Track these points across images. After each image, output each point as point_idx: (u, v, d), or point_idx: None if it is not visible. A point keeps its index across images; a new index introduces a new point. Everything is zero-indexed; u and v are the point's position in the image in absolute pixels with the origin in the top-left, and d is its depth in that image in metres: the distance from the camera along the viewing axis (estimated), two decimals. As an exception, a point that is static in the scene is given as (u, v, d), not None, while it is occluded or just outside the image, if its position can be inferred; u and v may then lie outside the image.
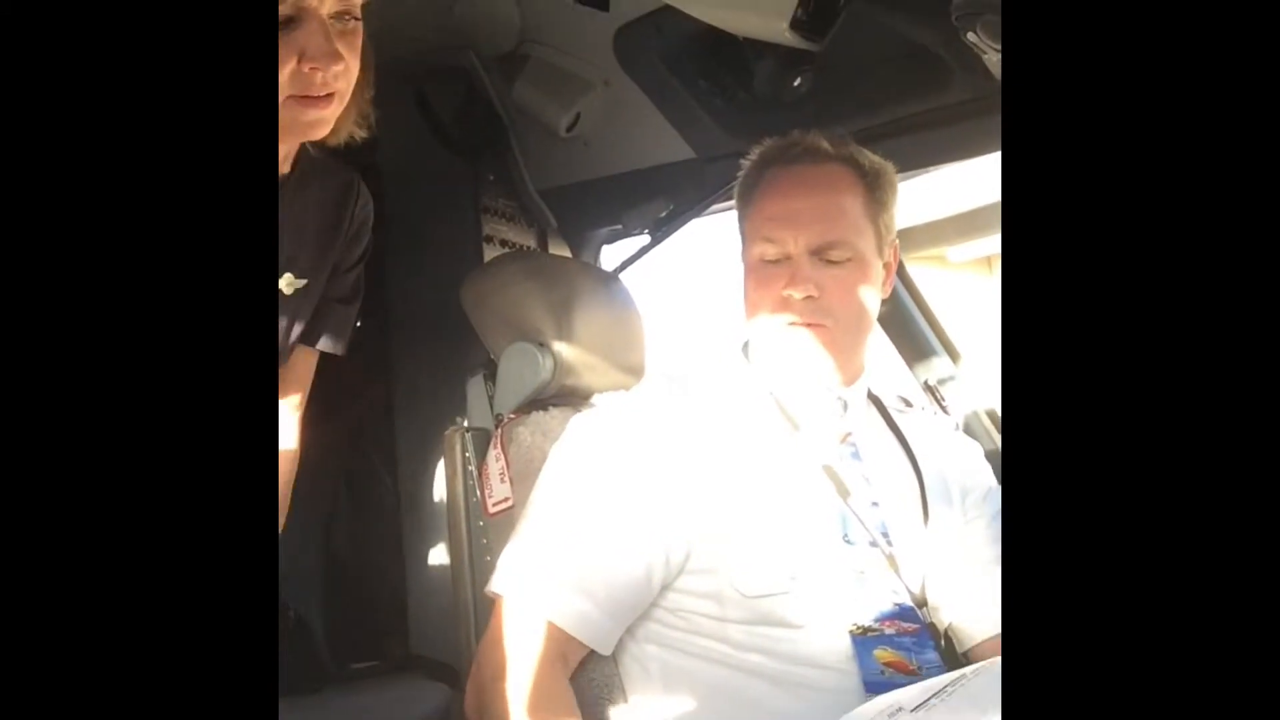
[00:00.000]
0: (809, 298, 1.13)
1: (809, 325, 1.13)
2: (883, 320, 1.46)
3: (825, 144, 1.20)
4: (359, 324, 1.40)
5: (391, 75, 1.89)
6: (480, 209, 1.86)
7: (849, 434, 1.18)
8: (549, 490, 1.13)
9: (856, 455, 1.17)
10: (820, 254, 1.14)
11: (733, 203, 1.28)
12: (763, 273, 1.16)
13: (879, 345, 1.71)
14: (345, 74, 1.00)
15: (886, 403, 1.25)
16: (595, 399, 1.36)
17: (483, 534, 1.33)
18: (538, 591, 1.05)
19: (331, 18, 0.98)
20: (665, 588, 1.07)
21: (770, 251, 1.16)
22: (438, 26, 1.75)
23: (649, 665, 1.09)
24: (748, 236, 1.20)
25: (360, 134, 1.14)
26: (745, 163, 1.24)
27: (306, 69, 0.97)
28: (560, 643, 1.05)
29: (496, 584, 1.09)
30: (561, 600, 1.04)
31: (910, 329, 1.76)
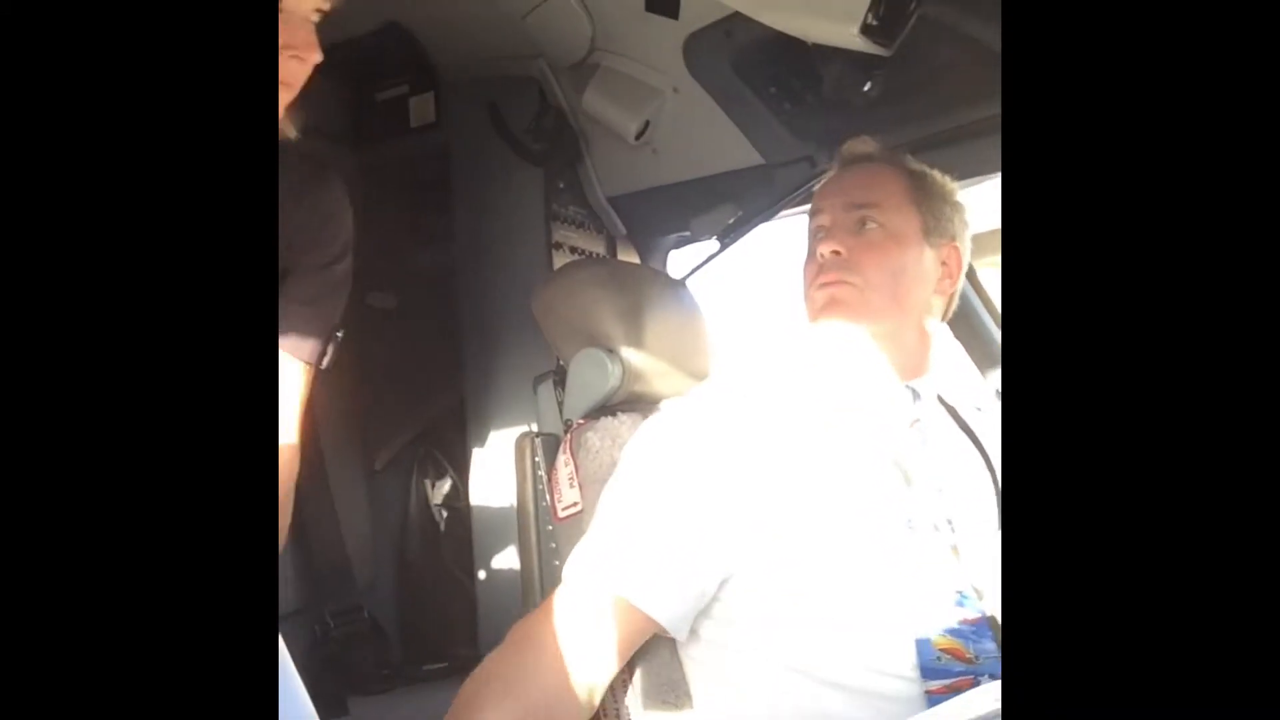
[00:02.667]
0: (835, 253, 1.18)
1: (836, 283, 1.18)
2: (953, 325, 1.45)
3: (868, 148, 1.29)
4: (339, 335, 1.37)
5: (463, 86, 1.94)
6: (550, 216, 1.87)
7: (917, 420, 1.17)
8: (618, 491, 1.13)
9: (924, 442, 1.16)
10: (855, 216, 1.21)
11: (801, 208, 1.30)
12: (809, 249, 1.23)
13: (953, 353, 1.70)
14: (306, 68, 1.03)
15: (959, 406, 1.24)
16: (663, 405, 1.36)
17: (551, 539, 1.34)
18: (609, 570, 1.05)
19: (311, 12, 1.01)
20: (727, 581, 1.07)
21: (813, 223, 1.24)
22: (509, 37, 1.78)
23: (712, 665, 1.09)
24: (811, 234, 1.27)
25: (291, 133, 1.13)
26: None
27: (286, 56, 0.99)
28: (628, 622, 1.04)
29: (566, 572, 1.09)
30: (635, 575, 1.04)
31: (982, 334, 1.73)
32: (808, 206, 1.29)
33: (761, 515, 1.06)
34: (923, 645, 1.01)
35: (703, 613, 1.08)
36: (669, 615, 1.05)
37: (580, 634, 1.02)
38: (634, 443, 1.18)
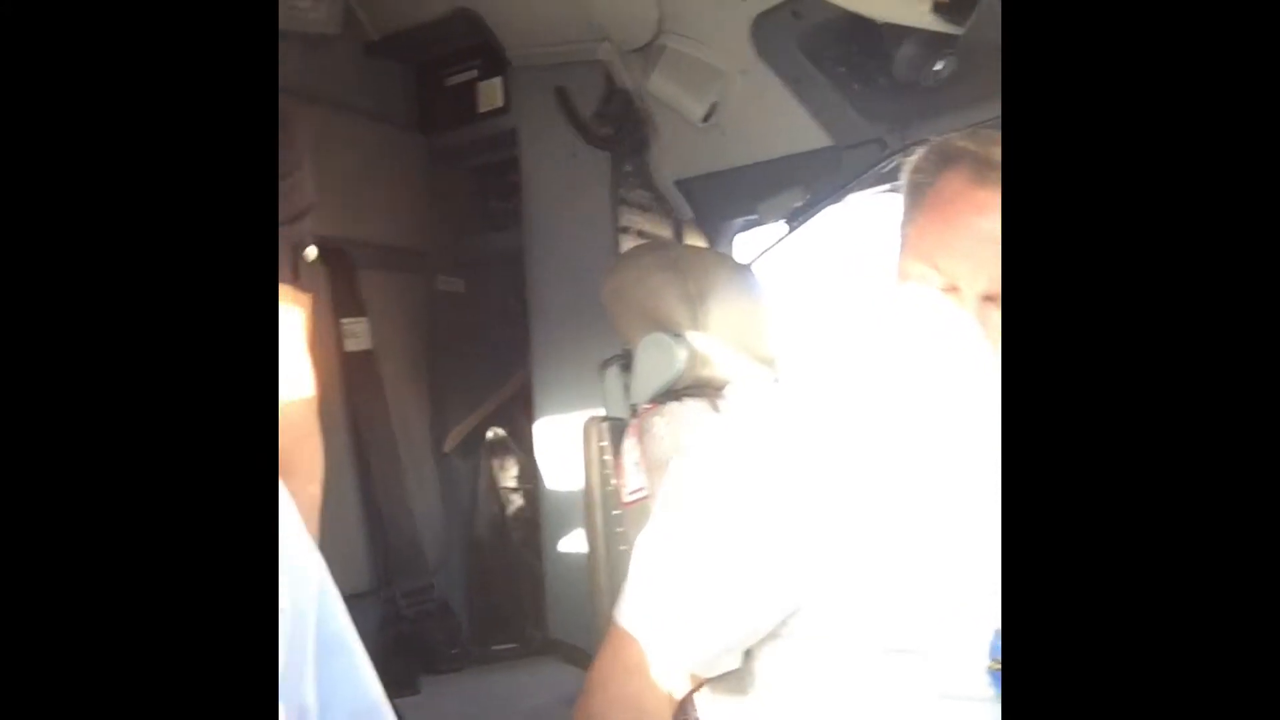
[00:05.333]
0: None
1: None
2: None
3: (964, 143, 1.08)
4: None
5: (531, 70, 1.95)
6: (617, 200, 1.87)
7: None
8: (671, 521, 1.05)
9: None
10: (990, 299, 1.02)
11: (872, 190, 1.25)
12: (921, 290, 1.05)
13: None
14: None
15: None
16: (728, 390, 1.35)
17: (618, 522, 1.34)
18: (648, 623, 1.01)
19: None
20: (794, 614, 1.02)
21: (933, 280, 1.04)
22: (576, 20, 1.78)
23: (777, 670, 1.06)
24: (909, 242, 1.09)
25: None
26: (927, 149, 1.11)
27: None
28: (686, 676, 1.03)
29: (625, 619, 1.03)
30: (672, 631, 0.99)
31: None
32: (877, 188, 1.25)
33: (837, 539, 0.98)
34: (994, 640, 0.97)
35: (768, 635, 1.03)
36: (706, 667, 1.02)
37: (633, 682, 1.00)
38: (696, 457, 1.08)
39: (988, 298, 1.01)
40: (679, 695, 1.03)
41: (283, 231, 1.09)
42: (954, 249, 1.02)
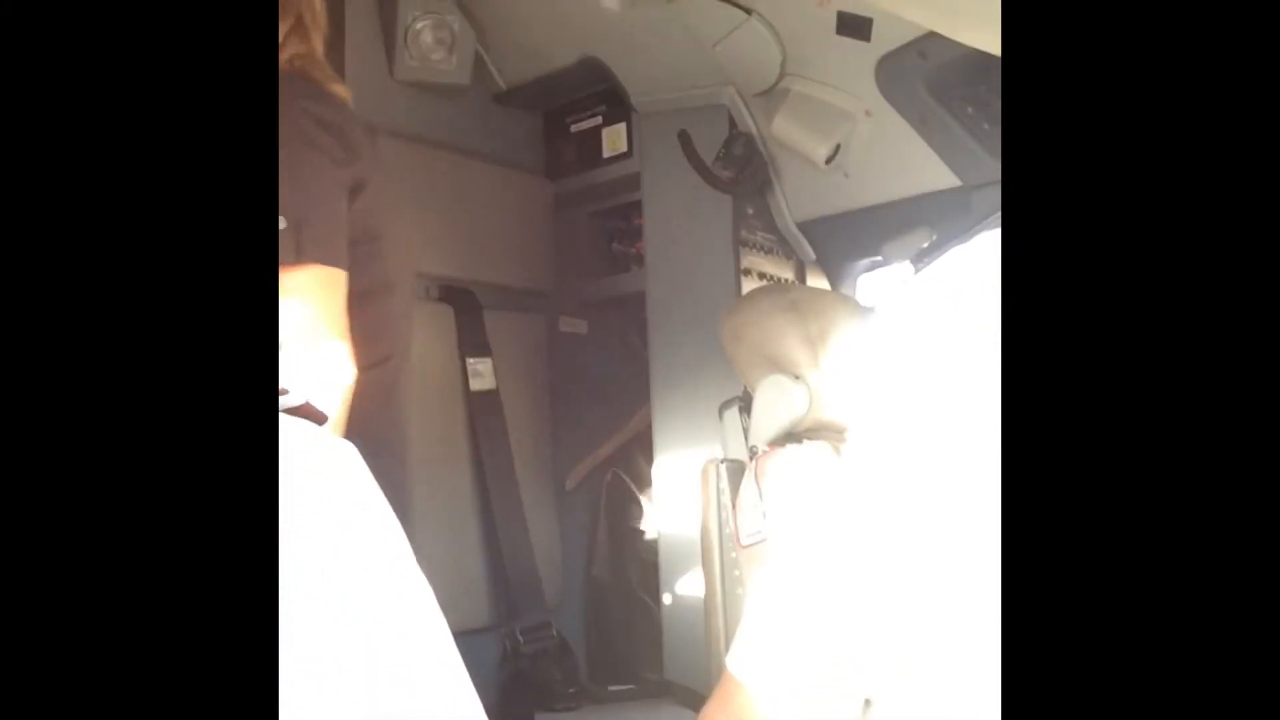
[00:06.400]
0: None
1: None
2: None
3: None
4: None
5: (655, 115, 1.98)
6: (739, 242, 1.88)
7: None
8: (797, 558, 1.02)
9: None
10: None
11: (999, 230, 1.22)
12: None
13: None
14: None
15: None
16: (849, 434, 1.33)
17: (735, 565, 1.33)
18: (779, 685, 0.97)
19: None
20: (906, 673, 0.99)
21: None
22: (700, 66, 1.80)
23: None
24: None
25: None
26: None
27: None
28: None
29: (735, 666, 1.02)
30: (802, 697, 0.96)
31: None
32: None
33: (956, 592, 0.95)
34: None
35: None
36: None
37: None
38: (813, 504, 1.07)
39: None
40: None
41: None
42: None
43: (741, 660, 1.00)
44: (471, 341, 2.05)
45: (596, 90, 2.09)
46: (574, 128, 2.20)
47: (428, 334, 1.94)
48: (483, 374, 2.05)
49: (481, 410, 2.04)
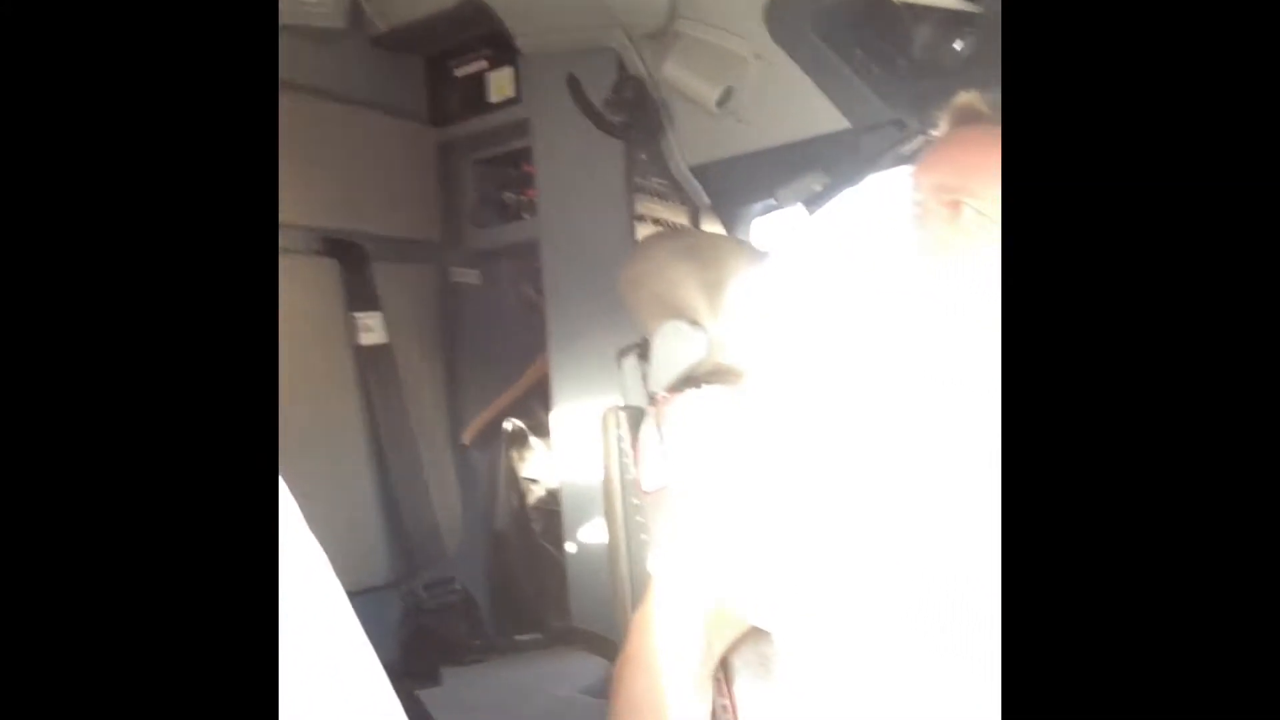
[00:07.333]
0: (924, 244, 1.09)
1: (923, 275, 1.09)
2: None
3: (979, 105, 1.16)
4: None
5: (542, 59, 1.94)
6: (632, 188, 1.86)
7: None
8: (707, 486, 1.11)
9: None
10: (947, 200, 1.09)
11: (892, 172, 1.24)
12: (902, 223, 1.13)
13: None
14: None
15: None
16: (748, 377, 1.34)
17: (638, 512, 1.33)
18: (701, 574, 1.04)
19: None
20: (818, 576, 1.04)
21: (908, 199, 1.13)
22: (587, 7, 1.77)
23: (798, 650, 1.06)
24: (920, 168, 1.16)
25: None
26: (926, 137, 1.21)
27: None
28: (725, 624, 1.04)
29: (654, 568, 1.08)
30: (729, 579, 1.03)
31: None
32: (898, 170, 1.24)
33: (858, 524, 1.02)
34: None
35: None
36: (765, 618, 1.04)
37: (675, 636, 1.02)
38: (713, 447, 1.14)
39: (950, 206, 1.08)
40: (715, 645, 1.04)
41: None
42: (920, 165, 1.13)
43: (660, 560, 1.06)
44: (359, 295, 1.99)
45: (480, 33, 2.02)
46: (458, 72, 2.14)
47: (310, 289, 1.88)
48: (373, 328, 2.00)
49: (373, 365, 2.00)
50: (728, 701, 1.12)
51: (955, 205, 1.11)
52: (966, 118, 1.17)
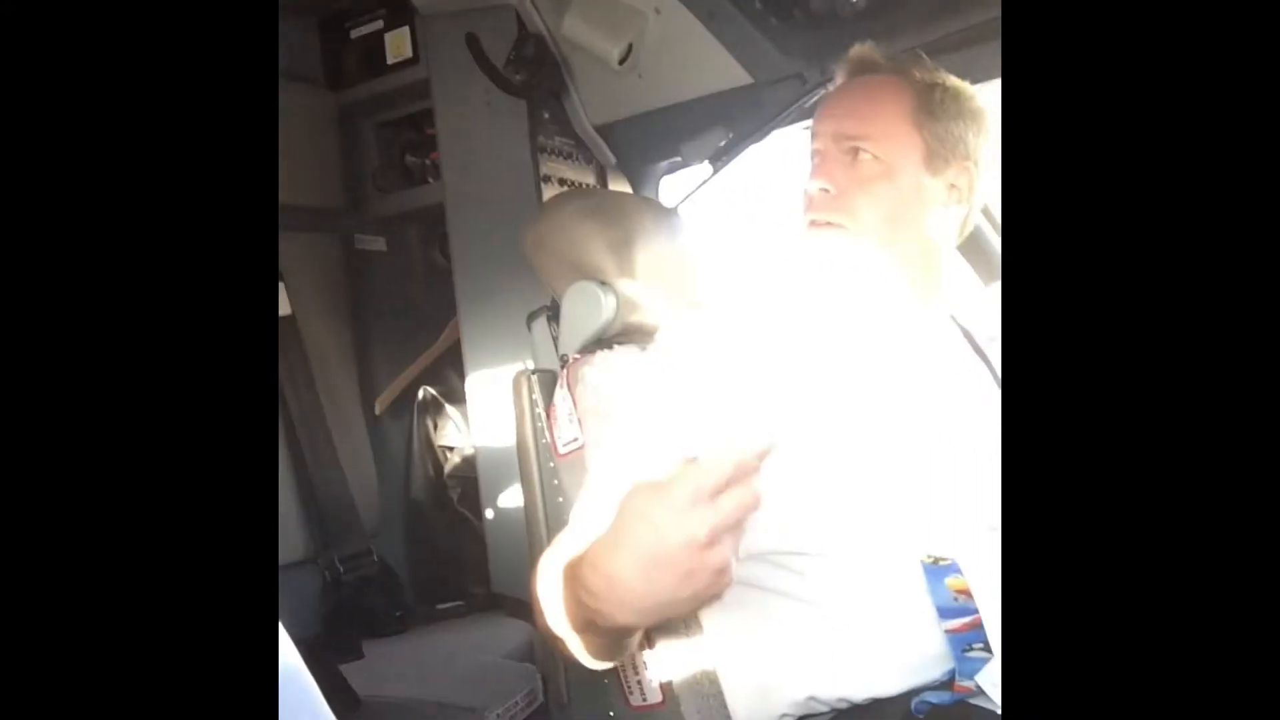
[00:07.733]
0: (824, 190, 1.12)
1: (826, 225, 1.12)
2: (964, 250, 1.42)
3: (874, 56, 1.19)
4: None
5: (440, 18, 1.89)
6: (537, 149, 1.84)
7: (924, 353, 1.14)
8: (619, 428, 1.11)
9: (932, 365, 1.13)
10: (846, 147, 1.13)
11: (793, 126, 1.25)
12: (803, 174, 1.17)
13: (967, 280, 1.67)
14: None
15: (976, 334, 1.19)
16: (658, 336, 1.34)
17: (554, 475, 1.33)
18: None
19: None
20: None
21: (810, 149, 1.16)
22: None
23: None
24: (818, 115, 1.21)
25: None
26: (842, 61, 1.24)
27: None
28: None
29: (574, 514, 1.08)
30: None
31: (993, 261, 1.71)
32: (801, 124, 1.25)
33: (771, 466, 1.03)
34: (937, 588, 0.98)
35: None
36: None
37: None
38: (623, 403, 1.14)
39: (839, 143, 1.14)
40: None
41: None
42: (816, 118, 1.18)
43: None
44: (260, 265, 1.93)
45: (376, -9, 1.97)
46: (354, 33, 2.08)
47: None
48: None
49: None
50: None
51: (854, 152, 1.13)
52: (863, 68, 1.19)
